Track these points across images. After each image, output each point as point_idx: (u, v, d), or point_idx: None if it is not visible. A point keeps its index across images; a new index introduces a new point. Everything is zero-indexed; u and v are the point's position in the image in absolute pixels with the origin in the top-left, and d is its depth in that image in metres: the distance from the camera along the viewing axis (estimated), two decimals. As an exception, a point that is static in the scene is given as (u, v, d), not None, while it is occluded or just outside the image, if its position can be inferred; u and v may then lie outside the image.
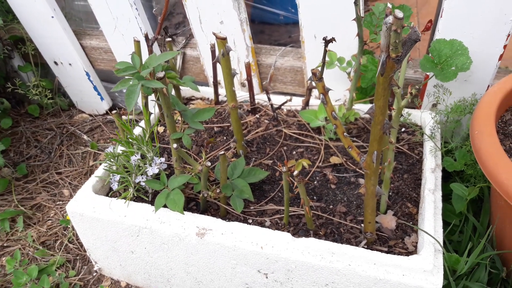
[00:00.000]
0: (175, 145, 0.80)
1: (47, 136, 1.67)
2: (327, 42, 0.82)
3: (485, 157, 0.81)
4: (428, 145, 1.04)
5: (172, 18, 1.94)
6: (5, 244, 1.27)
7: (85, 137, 1.65)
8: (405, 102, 0.83)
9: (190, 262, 0.96)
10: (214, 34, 0.89)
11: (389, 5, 0.90)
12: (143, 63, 0.78)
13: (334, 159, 1.07)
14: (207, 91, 1.36)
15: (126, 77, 0.78)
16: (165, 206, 0.91)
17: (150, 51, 1.28)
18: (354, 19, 0.92)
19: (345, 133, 0.75)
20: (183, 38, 1.47)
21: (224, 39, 0.89)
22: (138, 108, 1.75)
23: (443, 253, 0.82)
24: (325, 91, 0.71)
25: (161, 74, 0.76)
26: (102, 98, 1.70)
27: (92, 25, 1.79)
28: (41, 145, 1.63)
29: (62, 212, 1.36)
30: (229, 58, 0.93)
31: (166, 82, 0.77)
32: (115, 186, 0.96)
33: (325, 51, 0.83)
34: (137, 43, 1.01)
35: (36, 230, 1.30)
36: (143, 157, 0.98)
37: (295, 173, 0.78)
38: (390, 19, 0.57)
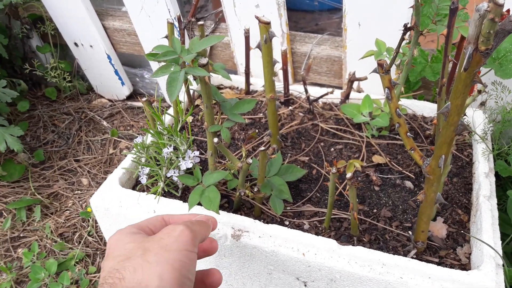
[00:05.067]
0: (215, 140, 0.72)
1: (65, 121, 1.60)
2: (407, 29, 0.74)
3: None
4: (480, 147, 0.95)
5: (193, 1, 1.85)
6: (21, 235, 1.20)
7: (104, 123, 1.58)
8: (471, 100, 0.75)
9: (222, 265, 0.89)
10: (257, 17, 0.81)
11: (456, -8, 0.81)
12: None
13: (377, 158, 0.99)
14: (236, 80, 1.28)
15: (163, 63, 0.70)
16: (198, 203, 0.84)
17: (182, 35, 1.20)
18: (411, 7, 0.84)
19: (408, 133, 0.67)
20: (211, 23, 1.39)
21: (268, 23, 0.81)
22: (159, 95, 1.67)
23: (504, 268, 0.75)
24: (391, 85, 0.63)
25: (204, 61, 0.68)
26: (123, 83, 1.63)
27: (113, 6, 1.70)
28: (59, 130, 1.56)
29: (80, 202, 1.30)
30: (271, 45, 0.85)
31: (209, 70, 0.69)
32: (143, 180, 0.89)
33: (402, 39, 0.75)
34: (170, 25, 0.93)
35: (53, 221, 1.24)
36: (175, 149, 0.91)
37: (349, 175, 0.70)
38: (485, 5, 0.48)
